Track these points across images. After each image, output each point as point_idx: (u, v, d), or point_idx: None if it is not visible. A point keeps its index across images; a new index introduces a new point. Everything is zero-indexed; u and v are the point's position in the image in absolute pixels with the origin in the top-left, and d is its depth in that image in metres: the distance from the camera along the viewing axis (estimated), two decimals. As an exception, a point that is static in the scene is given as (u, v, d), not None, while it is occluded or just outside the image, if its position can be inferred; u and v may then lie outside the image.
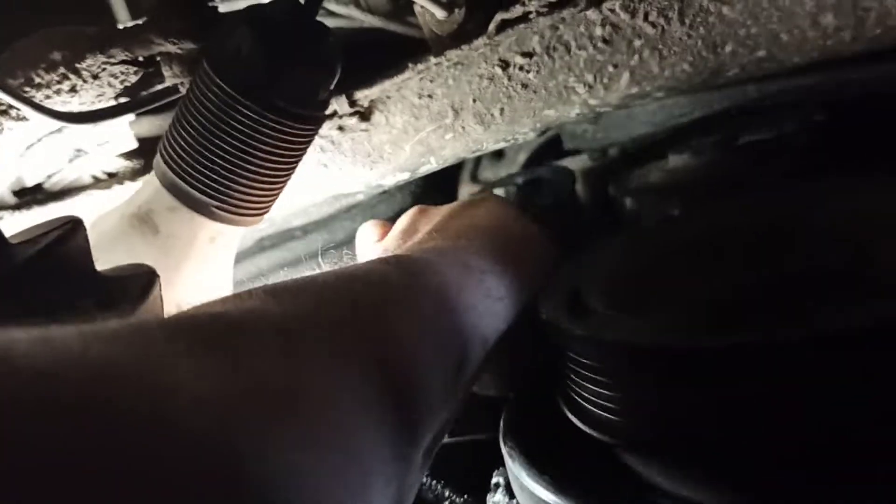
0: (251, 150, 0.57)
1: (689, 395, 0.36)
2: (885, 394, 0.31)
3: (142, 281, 0.48)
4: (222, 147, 0.57)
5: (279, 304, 0.34)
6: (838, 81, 0.71)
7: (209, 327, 0.29)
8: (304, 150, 0.62)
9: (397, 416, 0.34)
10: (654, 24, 0.64)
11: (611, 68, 0.66)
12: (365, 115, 0.76)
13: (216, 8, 0.67)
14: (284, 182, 0.62)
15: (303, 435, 0.26)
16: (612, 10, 0.64)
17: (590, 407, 0.41)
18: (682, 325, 0.38)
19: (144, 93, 0.69)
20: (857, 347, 0.31)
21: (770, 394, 0.33)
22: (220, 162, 0.57)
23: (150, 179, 0.61)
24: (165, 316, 0.51)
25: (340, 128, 0.77)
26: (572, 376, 0.43)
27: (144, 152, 0.80)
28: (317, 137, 0.67)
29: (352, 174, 0.79)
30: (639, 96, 0.67)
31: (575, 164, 0.95)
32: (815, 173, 0.67)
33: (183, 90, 0.66)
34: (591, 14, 0.65)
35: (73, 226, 0.44)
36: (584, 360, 0.41)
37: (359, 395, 0.32)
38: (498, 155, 1.01)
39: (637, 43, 0.65)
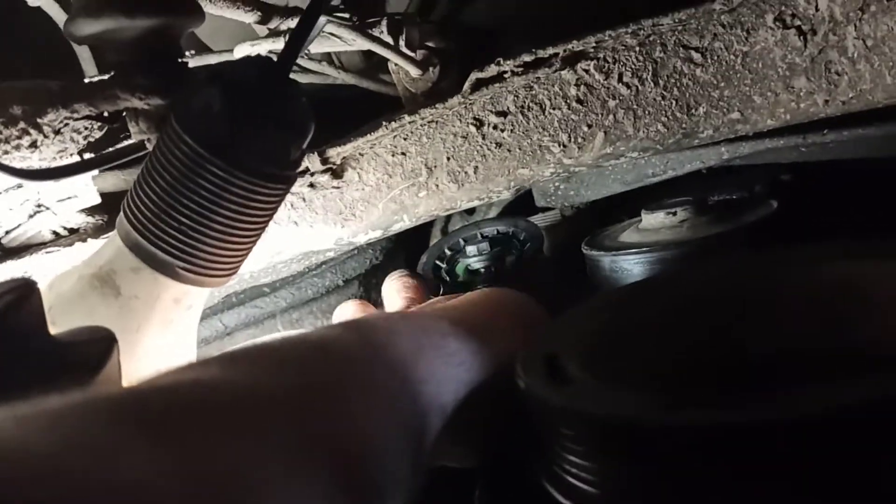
0: (219, 210, 0.56)
1: (666, 472, 0.35)
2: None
3: (100, 346, 0.46)
4: (189, 206, 0.55)
5: (236, 375, 0.33)
6: (808, 144, 0.72)
7: (159, 407, 0.27)
8: (274, 209, 0.60)
9: None
10: (628, 85, 0.64)
11: (585, 128, 0.66)
12: (337, 173, 0.75)
13: (186, 63, 0.66)
14: (253, 242, 0.61)
15: None
16: (587, 71, 0.64)
17: (571, 479, 0.40)
18: (660, 400, 0.37)
19: (109, 149, 0.67)
20: (832, 429, 0.30)
21: (753, 474, 0.32)
22: (187, 221, 0.55)
23: (112, 239, 0.59)
24: (124, 382, 0.49)
25: (312, 185, 0.75)
26: (553, 447, 0.41)
27: (108, 208, 0.77)
28: (288, 194, 0.65)
29: (323, 232, 0.77)
30: (613, 156, 0.67)
31: (547, 220, 0.95)
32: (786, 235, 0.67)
33: (150, 147, 0.64)
34: (566, 74, 0.65)
35: (26, 290, 0.42)
36: (565, 432, 0.39)
37: (315, 490, 0.30)
38: (469, 211, 1.00)
39: (611, 103, 0.65)
